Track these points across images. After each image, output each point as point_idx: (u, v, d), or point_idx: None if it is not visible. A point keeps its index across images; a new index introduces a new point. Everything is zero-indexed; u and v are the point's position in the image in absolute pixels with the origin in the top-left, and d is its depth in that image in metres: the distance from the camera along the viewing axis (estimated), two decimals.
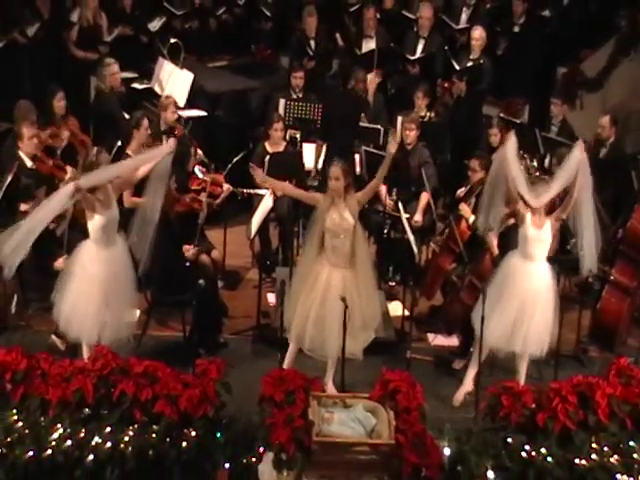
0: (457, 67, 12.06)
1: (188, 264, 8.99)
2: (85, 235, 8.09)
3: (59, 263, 8.80)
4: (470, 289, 8.81)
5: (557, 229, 8.31)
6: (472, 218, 9.17)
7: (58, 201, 7.80)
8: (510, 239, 8.65)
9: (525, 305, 8.06)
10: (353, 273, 8.10)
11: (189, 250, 9.05)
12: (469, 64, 12.16)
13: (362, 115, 11.51)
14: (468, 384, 8.35)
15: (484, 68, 12.14)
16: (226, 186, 10.05)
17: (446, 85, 12.13)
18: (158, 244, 8.43)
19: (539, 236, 8.14)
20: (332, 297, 7.95)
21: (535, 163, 10.01)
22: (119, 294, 8.03)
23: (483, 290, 7.90)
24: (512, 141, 8.17)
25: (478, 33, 12.19)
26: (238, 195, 10.43)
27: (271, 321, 9.28)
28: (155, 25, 12.83)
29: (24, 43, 12.24)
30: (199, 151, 10.30)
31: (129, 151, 9.77)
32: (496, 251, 8.66)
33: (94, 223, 7.94)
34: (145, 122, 9.95)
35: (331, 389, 8.06)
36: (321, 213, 8.12)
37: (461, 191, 9.82)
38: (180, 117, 11.08)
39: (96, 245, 7.99)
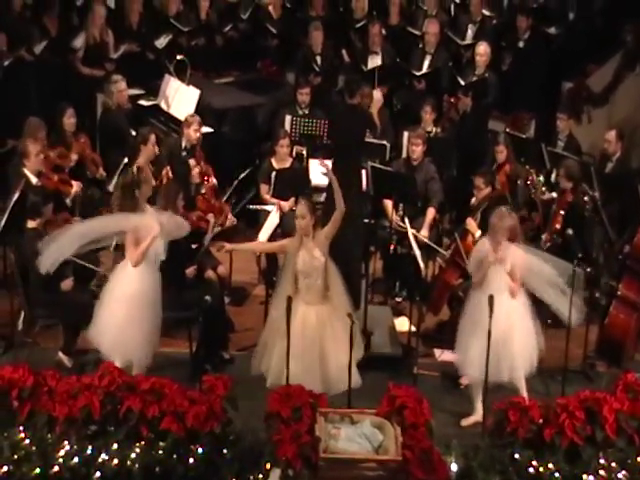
0: (462, 82, 12.08)
1: (193, 281, 9.00)
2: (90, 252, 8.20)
3: (66, 284, 8.83)
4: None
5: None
6: (478, 233, 9.18)
7: (118, 224, 8.17)
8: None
9: (501, 333, 7.98)
10: (328, 308, 8.16)
11: (189, 269, 9.09)
12: (474, 79, 12.18)
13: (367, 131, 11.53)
14: (479, 414, 8.21)
15: (489, 82, 12.16)
16: (231, 218, 10.03)
17: (452, 100, 12.15)
18: (163, 260, 8.46)
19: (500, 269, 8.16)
20: (308, 335, 8.00)
21: (542, 178, 10.05)
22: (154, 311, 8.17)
23: (490, 304, 7.89)
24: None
25: (483, 49, 12.22)
26: (240, 231, 10.47)
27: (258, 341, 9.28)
28: (162, 42, 12.86)
29: (31, 60, 12.29)
30: (212, 179, 10.31)
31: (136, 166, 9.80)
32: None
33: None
34: (152, 138, 9.98)
35: None
36: (291, 257, 8.19)
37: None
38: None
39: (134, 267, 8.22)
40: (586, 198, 9.86)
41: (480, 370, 7.84)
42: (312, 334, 8.05)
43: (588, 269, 9.25)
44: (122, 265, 8.34)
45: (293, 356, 7.61)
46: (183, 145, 10.64)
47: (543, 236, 9.90)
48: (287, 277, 8.24)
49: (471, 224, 9.36)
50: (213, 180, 10.38)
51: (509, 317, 8.09)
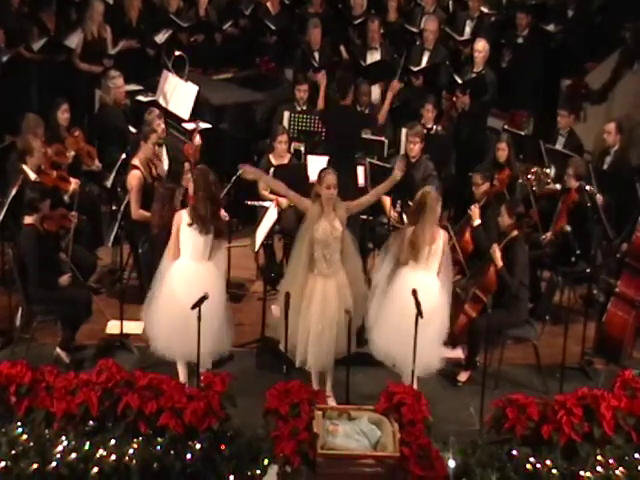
0: (459, 81, 12.07)
1: None
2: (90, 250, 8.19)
3: (64, 279, 8.83)
4: (474, 301, 8.81)
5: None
6: (477, 222, 9.20)
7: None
8: (514, 252, 8.66)
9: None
10: (344, 275, 8.12)
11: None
12: (472, 76, 12.16)
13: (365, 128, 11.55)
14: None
15: (487, 80, 12.14)
16: (223, 213, 9.97)
17: (454, 99, 12.12)
18: (160, 258, 8.46)
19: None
20: (330, 310, 8.00)
21: (548, 170, 10.05)
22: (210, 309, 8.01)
23: (488, 303, 7.91)
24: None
25: (481, 45, 12.19)
26: (233, 226, 10.45)
27: (275, 334, 9.27)
28: (161, 38, 12.85)
29: (29, 57, 12.27)
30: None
31: (135, 162, 9.78)
32: (500, 263, 8.66)
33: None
34: (154, 137, 9.95)
35: (332, 401, 8.06)
36: (310, 222, 8.09)
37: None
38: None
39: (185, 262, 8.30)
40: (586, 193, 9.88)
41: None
42: (333, 309, 8.03)
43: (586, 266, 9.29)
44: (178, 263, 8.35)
45: (317, 334, 7.88)
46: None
47: (547, 234, 9.88)
48: (303, 245, 8.12)
49: (474, 211, 9.37)
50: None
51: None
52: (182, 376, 8.32)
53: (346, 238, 8.15)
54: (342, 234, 8.08)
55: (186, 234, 8.25)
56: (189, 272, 8.26)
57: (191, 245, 8.26)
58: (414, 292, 7.69)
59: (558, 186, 10.29)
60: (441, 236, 8.27)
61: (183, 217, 8.28)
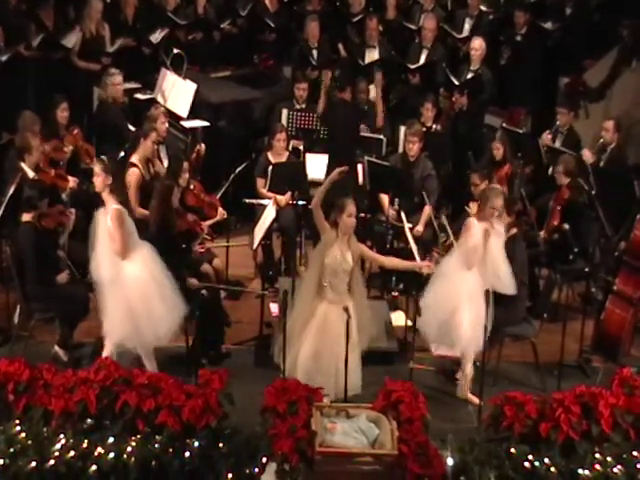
0: (456, 82, 12.05)
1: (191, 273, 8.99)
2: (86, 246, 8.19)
3: (62, 277, 8.83)
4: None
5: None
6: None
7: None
8: (513, 250, 8.67)
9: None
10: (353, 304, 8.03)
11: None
12: (469, 75, 12.16)
13: (363, 125, 11.54)
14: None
15: (484, 79, 12.14)
16: (221, 211, 9.98)
17: (454, 98, 12.12)
18: (159, 255, 8.45)
19: None
20: (330, 332, 7.94)
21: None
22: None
23: (487, 298, 7.91)
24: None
25: (478, 43, 12.19)
26: (231, 225, 10.44)
27: (273, 331, 9.29)
28: (157, 37, 12.83)
29: (28, 55, 12.25)
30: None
31: (134, 159, 9.77)
32: None
33: None
34: (154, 135, 9.94)
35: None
36: (325, 246, 7.99)
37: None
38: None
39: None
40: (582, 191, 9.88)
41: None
42: (332, 334, 7.94)
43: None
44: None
45: (310, 355, 7.77)
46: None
47: (541, 233, 9.91)
48: (314, 268, 8.06)
49: (473, 207, 9.36)
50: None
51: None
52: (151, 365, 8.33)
53: (356, 274, 8.09)
54: (353, 269, 8.01)
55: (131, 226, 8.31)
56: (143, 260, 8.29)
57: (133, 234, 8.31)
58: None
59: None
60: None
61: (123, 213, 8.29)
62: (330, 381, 7.78)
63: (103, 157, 9.25)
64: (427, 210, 10.31)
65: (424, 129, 10.95)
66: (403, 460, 6.70)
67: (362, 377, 8.04)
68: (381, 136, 11.58)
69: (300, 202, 10.20)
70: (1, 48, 11.97)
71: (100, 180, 8.33)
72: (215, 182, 10.83)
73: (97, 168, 8.37)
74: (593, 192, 9.96)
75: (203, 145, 10.90)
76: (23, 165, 9.65)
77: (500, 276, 8.37)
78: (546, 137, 11.12)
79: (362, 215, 10.12)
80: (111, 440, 6.92)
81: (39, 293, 8.74)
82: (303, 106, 11.95)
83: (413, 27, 13.35)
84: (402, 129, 11.26)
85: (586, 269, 9.29)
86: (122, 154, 10.27)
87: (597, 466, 6.91)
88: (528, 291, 9.03)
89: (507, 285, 8.39)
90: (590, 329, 9.22)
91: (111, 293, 8.22)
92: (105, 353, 8.22)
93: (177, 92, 11.78)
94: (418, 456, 6.73)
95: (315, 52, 12.94)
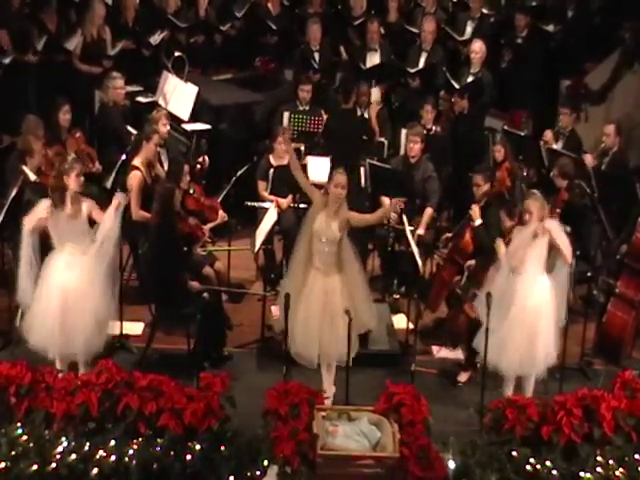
0: (457, 86, 12.05)
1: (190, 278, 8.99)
2: None
3: None
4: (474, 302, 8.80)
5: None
6: (479, 221, 9.18)
7: None
8: None
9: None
10: (343, 278, 8.12)
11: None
12: (470, 78, 12.16)
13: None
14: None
15: (484, 81, 12.14)
16: (221, 214, 9.99)
17: (453, 100, 12.12)
18: (160, 258, 8.46)
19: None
20: (331, 304, 8.00)
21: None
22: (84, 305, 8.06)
23: (487, 301, 7.90)
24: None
25: (478, 46, 12.19)
26: (232, 227, 10.44)
27: (275, 334, 9.28)
28: (156, 39, 12.83)
29: (30, 58, 12.26)
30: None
31: (136, 162, 9.76)
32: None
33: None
34: (156, 137, 9.93)
35: (332, 390, 8.13)
36: (313, 212, 8.16)
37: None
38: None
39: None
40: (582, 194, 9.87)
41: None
42: (317, 305, 8.05)
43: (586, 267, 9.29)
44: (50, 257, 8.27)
45: (298, 321, 7.91)
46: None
47: None
48: (306, 233, 8.17)
49: (475, 210, 9.34)
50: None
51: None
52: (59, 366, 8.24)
53: (345, 246, 8.14)
54: (340, 241, 8.07)
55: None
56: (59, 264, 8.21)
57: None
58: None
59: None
60: None
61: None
62: (316, 348, 8.01)
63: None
64: (428, 212, 10.31)
65: (424, 131, 10.95)
66: (405, 463, 6.70)
67: (362, 379, 8.07)
68: (382, 139, 11.57)
69: (301, 205, 10.20)
70: (6, 51, 11.99)
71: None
72: (216, 185, 10.83)
73: (78, 169, 8.34)
74: (595, 194, 9.95)
75: (207, 157, 10.92)
76: (25, 168, 9.65)
77: None
78: (547, 135, 11.07)
79: None
80: (113, 443, 6.92)
81: None
82: (307, 108, 11.94)
83: (415, 30, 13.34)
84: (403, 132, 11.26)
85: (588, 272, 9.29)
86: (123, 157, 10.26)
87: (599, 469, 6.91)
88: None
89: None
90: (592, 332, 9.22)
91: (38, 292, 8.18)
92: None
93: (178, 95, 11.78)
94: (420, 459, 6.73)
95: (317, 55, 12.94)
